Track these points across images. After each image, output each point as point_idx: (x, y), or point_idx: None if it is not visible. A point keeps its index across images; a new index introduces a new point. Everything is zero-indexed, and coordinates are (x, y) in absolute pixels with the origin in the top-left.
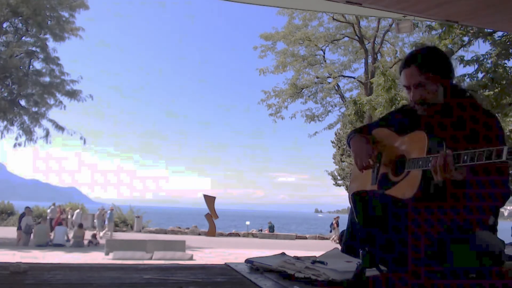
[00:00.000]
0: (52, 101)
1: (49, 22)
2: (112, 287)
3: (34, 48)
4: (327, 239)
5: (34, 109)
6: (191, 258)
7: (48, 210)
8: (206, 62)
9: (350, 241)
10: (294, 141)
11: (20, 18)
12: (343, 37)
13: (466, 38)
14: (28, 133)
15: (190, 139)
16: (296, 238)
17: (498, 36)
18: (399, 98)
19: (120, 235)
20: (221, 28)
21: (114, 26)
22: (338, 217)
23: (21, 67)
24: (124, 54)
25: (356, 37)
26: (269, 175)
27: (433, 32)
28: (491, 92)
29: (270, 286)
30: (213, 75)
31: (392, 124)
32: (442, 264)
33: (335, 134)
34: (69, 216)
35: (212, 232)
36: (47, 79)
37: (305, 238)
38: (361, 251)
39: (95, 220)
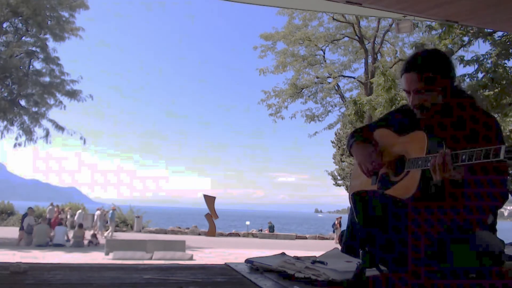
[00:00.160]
0: (52, 101)
1: (49, 22)
2: (112, 287)
3: (34, 48)
4: (327, 239)
5: (34, 109)
6: (191, 258)
7: (47, 210)
8: (206, 62)
9: (350, 241)
10: (294, 141)
11: (20, 18)
12: (343, 37)
13: (466, 38)
14: (28, 133)
15: (190, 139)
16: (296, 238)
17: (498, 36)
18: (399, 98)
19: (120, 235)
20: (221, 28)
21: (114, 26)
22: (340, 217)
23: (21, 67)
24: (124, 54)
25: (356, 37)
26: (269, 175)
27: (433, 32)
28: (491, 92)
29: (270, 286)
30: (213, 75)
31: (392, 124)
32: (442, 264)
33: (335, 134)
34: (68, 216)
35: (212, 232)
36: (47, 79)
37: (305, 238)
38: (361, 251)
39: (97, 221)
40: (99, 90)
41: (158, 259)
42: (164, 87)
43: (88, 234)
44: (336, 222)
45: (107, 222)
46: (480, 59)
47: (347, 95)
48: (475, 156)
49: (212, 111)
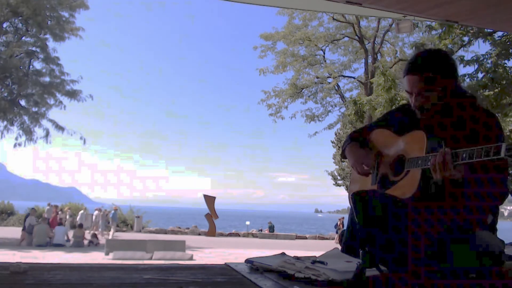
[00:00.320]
0: (52, 101)
1: (49, 22)
2: (112, 287)
3: (34, 48)
4: (327, 239)
5: (34, 109)
6: (191, 258)
7: (45, 210)
8: (206, 62)
9: (350, 241)
10: (294, 141)
11: (20, 18)
12: (343, 37)
13: (466, 38)
14: (28, 133)
15: (190, 139)
16: (296, 238)
17: (498, 36)
18: (399, 98)
19: (120, 235)
20: (221, 28)
21: (114, 26)
22: (342, 217)
23: (21, 67)
24: (124, 54)
25: (356, 37)
26: (269, 175)
27: (433, 32)
28: (491, 92)
29: (270, 286)
30: (213, 75)
31: (392, 124)
32: (442, 264)
33: (335, 134)
34: (67, 216)
35: (212, 232)
36: (47, 79)
37: (305, 238)
38: (361, 251)
39: (99, 221)
40: (99, 90)
41: (158, 259)
42: (164, 87)
43: (88, 234)
44: (338, 223)
45: (109, 223)
46: (480, 59)
47: (347, 95)
48: (476, 155)
49: (212, 111)
